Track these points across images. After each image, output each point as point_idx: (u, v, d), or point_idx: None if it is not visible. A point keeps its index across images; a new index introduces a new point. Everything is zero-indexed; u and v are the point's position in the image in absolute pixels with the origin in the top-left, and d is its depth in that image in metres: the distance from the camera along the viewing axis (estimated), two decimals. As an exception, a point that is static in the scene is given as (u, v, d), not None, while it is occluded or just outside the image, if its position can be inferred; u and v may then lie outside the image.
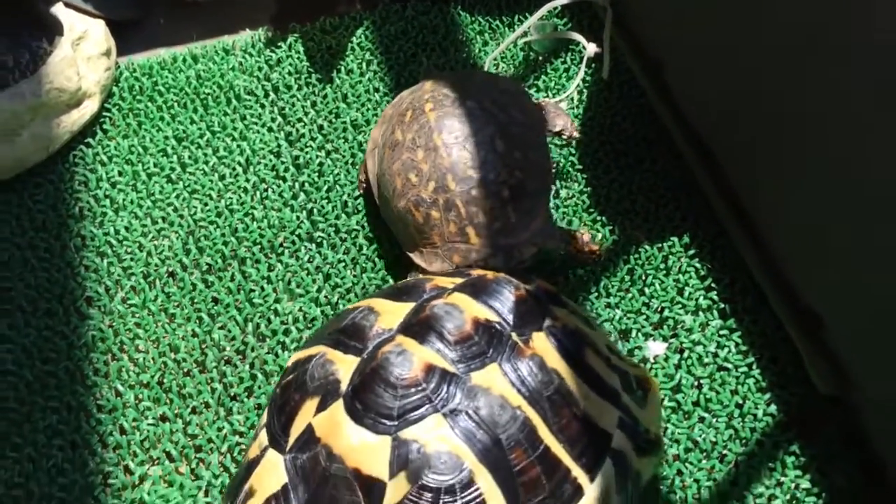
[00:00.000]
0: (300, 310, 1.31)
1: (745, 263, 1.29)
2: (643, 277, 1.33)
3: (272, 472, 0.92)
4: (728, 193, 1.31)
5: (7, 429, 1.19)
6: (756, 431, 1.19)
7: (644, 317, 1.29)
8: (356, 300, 1.31)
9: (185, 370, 1.25)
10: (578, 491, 0.92)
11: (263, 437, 0.97)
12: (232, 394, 1.23)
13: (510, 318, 0.99)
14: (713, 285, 1.31)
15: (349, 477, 0.88)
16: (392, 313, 1.00)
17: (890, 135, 0.95)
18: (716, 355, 1.25)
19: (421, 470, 0.86)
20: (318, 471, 0.89)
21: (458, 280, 1.07)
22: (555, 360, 0.97)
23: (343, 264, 1.36)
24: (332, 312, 1.30)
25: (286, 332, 1.28)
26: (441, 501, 0.86)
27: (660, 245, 1.35)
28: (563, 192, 1.43)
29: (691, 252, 1.34)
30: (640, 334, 1.27)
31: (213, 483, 1.16)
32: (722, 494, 1.14)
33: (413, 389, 0.90)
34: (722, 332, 1.27)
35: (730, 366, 1.24)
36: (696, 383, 1.23)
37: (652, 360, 1.25)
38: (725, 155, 1.31)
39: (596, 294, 1.32)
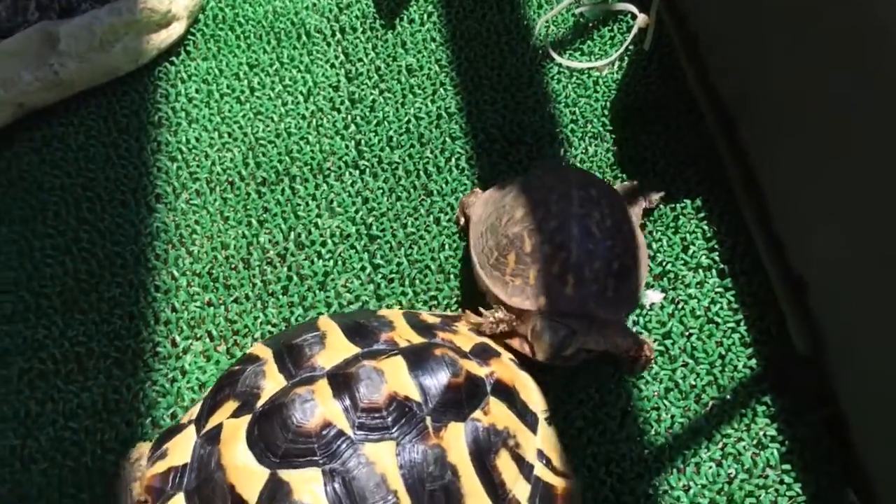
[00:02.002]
0: (338, 226, 1.46)
1: (748, 229, 1.38)
2: (652, 233, 1.43)
3: (185, 447, 1.01)
4: (743, 164, 1.40)
5: (78, 296, 1.39)
6: (734, 381, 1.29)
7: (648, 268, 1.40)
8: (388, 224, 1.46)
9: (232, 265, 1.42)
10: None
11: (196, 410, 1.06)
12: (270, 290, 1.40)
13: (433, 401, 1.00)
14: (716, 247, 1.41)
15: (225, 489, 0.94)
16: (336, 351, 1.04)
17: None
18: (708, 309, 1.35)
19: None
20: (208, 469, 0.96)
21: (418, 339, 1.09)
22: (458, 457, 0.98)
23: (381, 191, 1.50)
24: (366, 232, 1.45)
25: (322, 244, 1.44)
26: None
27: (673, 206, 1.45)
28: (590, 149, 1.54)
29: (701, 215, 1.44)
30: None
31: (245, 363, 1.32)
32: (694, 430, 1.25)
33: (304, 438, 0.95)
34: (717, 290, 1.37)
35: (719, 320, 1.34)
36: (685, 332, 1.33)
37: (648, 307, 1.36)
38: (745, 127, 1.40)
39: (607, 243, 1.43)
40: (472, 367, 1.07)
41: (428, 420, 0.98)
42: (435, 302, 1.38)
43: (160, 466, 1.01)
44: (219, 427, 1.00)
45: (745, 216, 1.39)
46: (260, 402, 0.99)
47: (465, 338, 1.15)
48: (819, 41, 1.14)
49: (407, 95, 1.62)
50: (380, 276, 1.41)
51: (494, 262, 1.24)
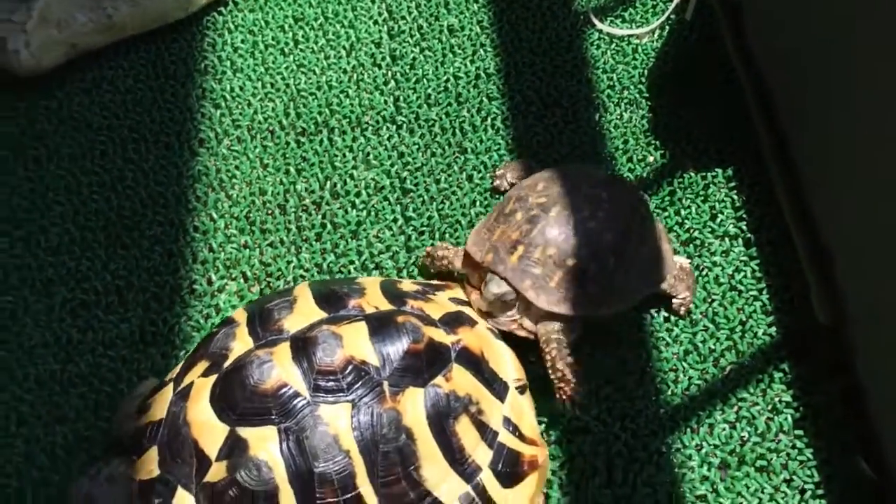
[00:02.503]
0: (373, 178, 1.50)
1: (777, 200, 1.39)
2: (682, 200, 1.45)
3: (163, 403, 1.06)
4: (777, 135, 1.40)
5: (121, 231, 1.44)
6: (753, 347, 1.30)
7: (675, 234, 1.41)
8: (422, 178, 1.49)
9: (269, 210, 1.47)
10: None
11: (177, 368, 1.12)
12: (304, 236, 1.44)
13: (391, 366, 1.03)
14: (745, 216, 1.42)
15: (190, 443, 1.00)
16: (304, 316, 1.08)
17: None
18: (731, 277, 1.36)
19: (238, 467, 0.97)
20: (177, 424, 1.02)
21: (387, 306, 1.12)
22: (414, 421, 1.01)
23: (417, 147, 1.53)
24: (400, 185, 1.49)
25: (357, 195, 1.48)
26: (243, 501, 0.97)
27: (704, 174, 1.47)
28: (625, 115, 1.56)
29: (732, 184, 1.45)
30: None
31: (276, 304, 1.37)
32: (710, 393, 1.27)
33: (261, 397, 0.99)
34: (742, 259, 1.38)
35: (742, 288, 1.35)
36: (708, 298, 1.35)
37: (673, 272, 1.38)
38: (780, 99, 1.40)
39: (636, 208, 1.45)
40: (438, 334, 1.09)
41: (385, 384, 1.02)
42: (463, 256, 1.41)
43: (141, 421, 1.08)
44: (190, 385, 1.05)
45: (776, 187, 1.39)
46: (227, 363, 1.04)
47: (437, 306, 1.17)
48: (855, 13, 1.15)
49: (447, 55, 1.64)
50: (411, 228, 1.44)
51: (487, 217, 1.30)
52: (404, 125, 1.56)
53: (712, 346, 1.31)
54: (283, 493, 0.97)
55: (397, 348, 1.04)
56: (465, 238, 1.43)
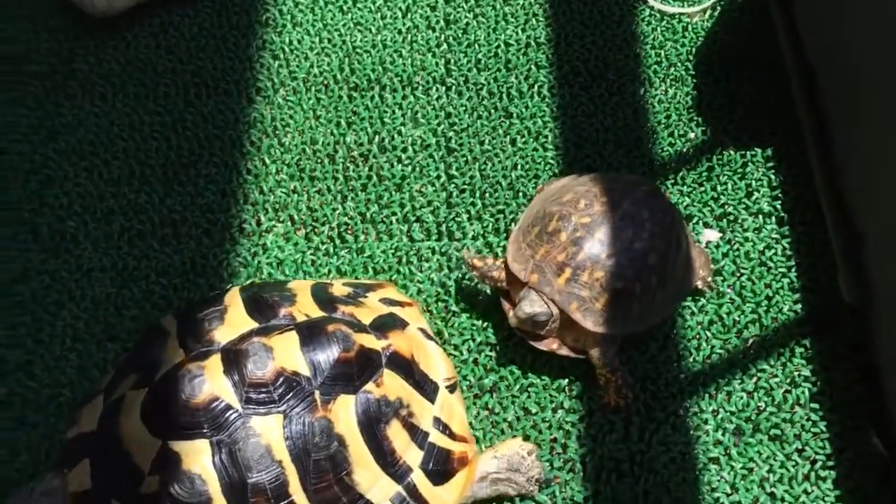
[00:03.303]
0: (419, 136, 1.55)
1: (813, 182, 1.41)
2: (719, 176, 1.48)
3: (93, 415, 1.09)
4: (818, 118, 1.43)
5: (178, 169, 1.52)
6: (777, 322, 1.34)
7: (709, 209, 1.45)
8: (467, 139, 1.54)
9: (318, 159, 1.53)
10: None
11: (106, 379, 1.15)
12: (350, 186, 1.50)
13: (322, 375, 1.05)
14: (780, 195, 1.44)
15: (122, 456, 1.02)
16: (234, 326, 1.08)
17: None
18: (762, 253, 1.40)
19: (170, 482, 0.99)
20: (109, 437, 1.05)
21: (318, 313, 1.13)
22: (346, 427, 1.04)
23: (464, 109, 1.59)
24: (444, 143, 1.54)
25: (403, 150, 1.54)
26: None
27: (743, 153, 1.50)
28: (670, 91, 1.59)
29: (770, 164, 1.48)
30: (700, 222, 1.44)
31: (319, 249, 1.44)
32: (731, 362, 1.31)
33: (193, 411, 1.00)
34: (774, 236, 1.41)
35: (771, 264, 1.39)
36: (736, 272, 1.39)
37: (703, 245, 1.41)
38: (825, 82, 1.42)
39: (672, 181, 1.49)
40: (368, 340, 1.11)
41: (317, 394, 1.04)
42: (501, 216, 1.46)
43: (72, 432, 1.11)
44: (120, 399, 1.07)
45: (813, 169, 1.42)
46: (158, 375, 1.05)
47: (368, 310, 1.19)
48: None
49: (499, 21, 1.68)
50: (453, 185, 1.50)
51: (525, 228, 1.30)
52: (453, 87, 1.61)
53: (737, 318, 1.35)
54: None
55: (328, 357, 1.06)
56: (504, 198, 1.48)
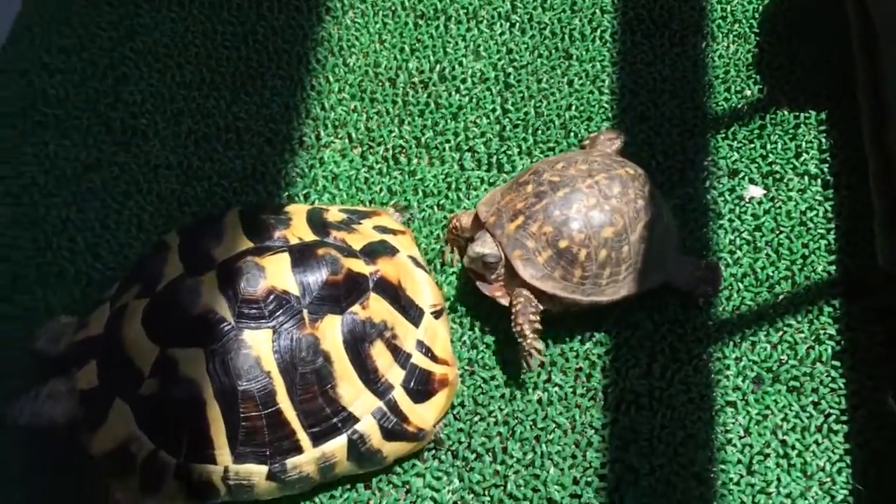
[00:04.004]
0: (479, 69, 1.60)
1: (863, 148, 1.43)
2: (770, 135, 1.50)
3: (100, 320, 1.17)
4: (875, 85, 1.44)
5: (246, 79, 1.59)
6: (809, 280, 1.37)
7: (756, 165, 1.47)
8: (525, 76, 1.58)
9: (380, 82, 1.59)
10: (298, 448, 1.10)
11: (114, 288, 1.23)
12: (408, 110, 1.56)
13: (311, 295, 1.11)
14: (828, 159, 1.46)
15: (125, 359, 1.10)
16: (232, 245, 1.15)
17: None
18: (803, 214, 1.42)
19: (167, 385, 1.07)
20: (113, 341, 1.12)
21: (311, 237, 1.18)
22: (331, 345, 1.11)
23: (525, 46, 1.62)
24: (503, 78, 1.58)
25: (462, 81, 1.58)
26: (174, 411, 1.07)
27: (797, 114, 1.51)
28: (731, 47, 1.60)
29: (822, 127, 1.50)
30: (746, 178, 1.47)
31: (373, 168, 1.50)
32: (759, 315, 1.35)
33: (190, 321, 1.07)
34: (817, 198, 1.44)
35: (811, 225, 1.41)
36: (776, 229, 1.42)
37: (746, 200, 1.44)
38: (885, 49, 1.43)
39: (723, 136, 1.51)
40: (357, 265, 1.17)
41: (305, 312, 1.10)
42: (551, 153, 1.50)
43: (81, 335, 1.18)
44: (124, 307, 1.15)
45: (865, 135, 1.43)
46: (159, 287, 1.13)
47: (360, 236, 1.24)
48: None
49: (568, -33, 1.70)
50: (507, 119, 1.54)
51: (509, 183, 1.33)
52: (517, 24, 1.64)
53: (770, 273, 1.38)
54: (210, 407, 1.07)
55: (317, 279, 1.12)
56: (555, 136, 1.52)
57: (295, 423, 1.10)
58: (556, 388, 1.30)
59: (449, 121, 1.54)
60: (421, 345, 1.21)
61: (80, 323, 1.21)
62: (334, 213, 1.30)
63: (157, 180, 1.48)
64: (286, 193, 1.47)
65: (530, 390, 1.30)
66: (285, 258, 1.13)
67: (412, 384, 1.18)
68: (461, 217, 1.37)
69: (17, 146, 1.51)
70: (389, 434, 1.16)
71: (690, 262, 1.36)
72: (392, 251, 1.26)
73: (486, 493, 1.22)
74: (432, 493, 1.22)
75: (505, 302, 1.29)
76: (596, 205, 1.25)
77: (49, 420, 1.13)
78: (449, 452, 1.25)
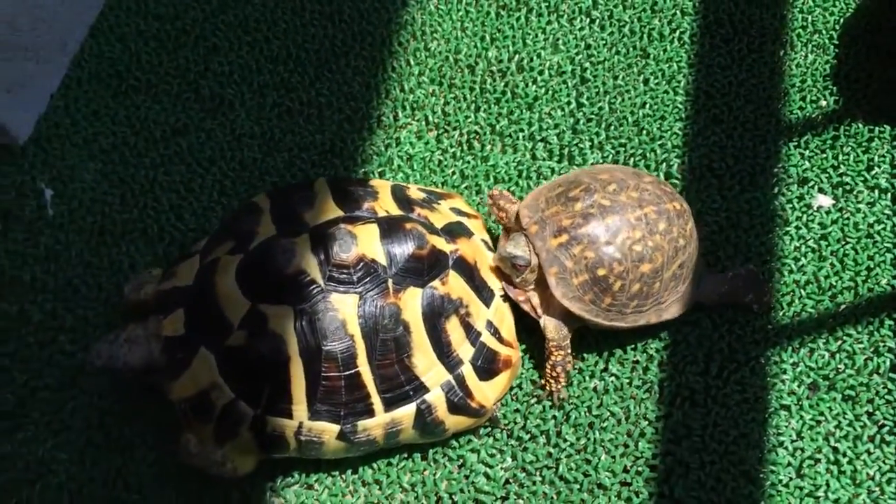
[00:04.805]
0: (557, 62, 1.63)
1: (938, 166, 1.44)
2: (843, 146, 1.51)
3: (190, 271, 1.22)
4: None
5: (330, 57, 1.64)
6: (872, 293, 1.38)
7: (827, 175, 1.49)
8: (602, 72, 1.61)
9: (459, 68, 1.63)
10: (370, 412, 1.16)
11: (202, 243, 1.26)
12: (485, 98, 1.59)
13: (397, 266, 1.16)
14: (900, 174, 1.47)
15: (215, 311, 1.14)
16: (323, 211, 1.20)
17: None
18: (871, 226, 1.43)
19: (254, 338, 1.11)
20: (204, 292, 1.17)
21: (397, 211, 1.23)
22: (411, 315, 1.15)
23: (604, 42, 1.65)
24: (580, 72, 1.61)
25: (540, 73, 1.62)
26: (259, 364, 1.12)
27: (871, 127, 1.52)
28: (810, 57, 1.61)
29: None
30: (815, 187, 1.48)
31: (447, 151, 1.54)
32: (819, 322, 1.37)
33: (282, 280, 1.12)
34: (886, 212, 1.44)
35: (878, 238, 1.42)
36: (842, 239, 1.43)
37: (814, 209, 1.46)
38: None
39: (795, 144, 1.52)
40: (439, 242, 1.21)
41: (390, 282, 1.15)
42: (622, 149, 1.53)
43: (168, 285, 1.23)
44: (216, 260, 1.19)
45: (940, 154, 1.44)
46: (252, 245, 1.17)
47: (440, 216, 1.29)
48: None
49: (651, -37, 1.72)
50: (581, 113, 1.57)
51: (553, 185, 1.33)
52: (597, 20, 1.67)
53: (833, 283, 1.40)
54: (294, 363, 1.12)
55: (404, 251, 1.16)
56: (627, 133, 1.55)
57: (371, 387, 1.15)
58: (613, 378, 1.33)
59: (524, 110, 1.58)
60: (490, 325, 1.25)
61: (167, 273, 1.27)
62: (415, 191, 1.34)
63: (240, 148, 1.54)
64: (362, 170, 1.52)
65: (587, 378, 1.33)
66: (375, 229, 1.17)
67: (479, 362, 1.22)
68: (505, 201, 1.36)
69: (111, 107, 1.58)
70: (454, 407, 1.20)
71: (715, 280, 1.36)
72: (469, 233, 1.30)
73: (539, 473, 1.26)
74: (486, 468, 1.26)
75: (527, 308, 1.30)
76: (640, 239, 1.25)
77: (125, 364, 1.19)
78: (504, 432, 1.29)
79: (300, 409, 1.14)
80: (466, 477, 1.26)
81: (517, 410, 1.31)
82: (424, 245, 1.18)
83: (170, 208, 1.48)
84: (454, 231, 1.27)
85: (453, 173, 1.52)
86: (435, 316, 1.18)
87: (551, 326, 1.29)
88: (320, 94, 1.60)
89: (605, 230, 1.25)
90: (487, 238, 1.36)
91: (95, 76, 1.61)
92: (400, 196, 1.28)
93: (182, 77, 1.62)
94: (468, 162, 1.53)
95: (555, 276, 1.26)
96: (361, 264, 1.14)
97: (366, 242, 1.15)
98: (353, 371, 1.14)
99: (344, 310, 1.13)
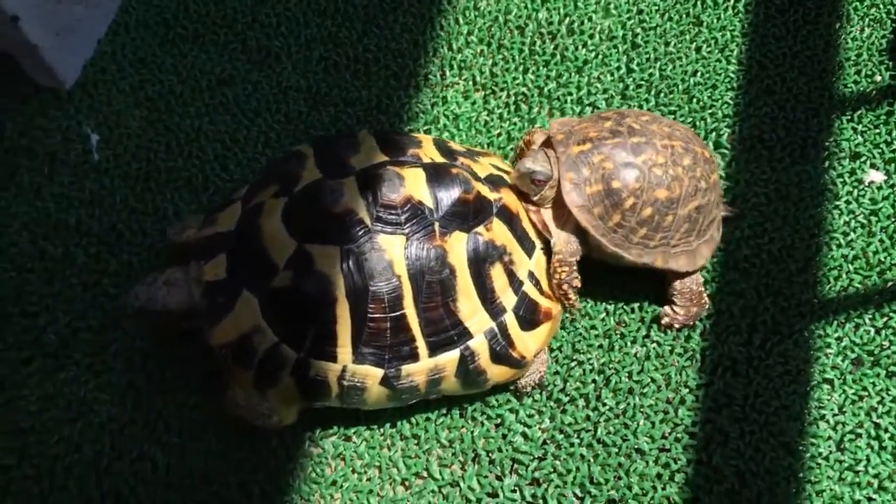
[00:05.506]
0: (608, 26, 1.61)
1: None
2: (897, 122, 1.49)
3: (231, 217, 1.21)
4: None
5: (377, 14, 1.63)
6: (921, 270, 1.37)
7: (880, 151, 1.46)
8: (653, 38, 1.58)
9: (509, 29, 1.61)
10: (415, 356, 1.15)
11: (242, 191, 1.25)
12: (533, 60, 1.58)
13: (443, 210, 1.14)
14: (955, 152, 1.45)
15: (260, 252, 1.13)
16: (368, 156, 1.19)
17: None
18: (923, 203, 1.42)
19: (301, 278, 1.10)
20: (248, 235, 1.16)
21: (441, 160, 1.22)
22: (457, 259, 1.14)
23: (656, 8, 1.63)
24: (630, 37, 1.59)
25: (590, 37, 1.60)
26: (305, 304, 1.10)
27: (928, 104, 1.49)
28: (865, 31, 1.58)
29: (953, 121, 1.48)
30: (868, 162, 1.46)
31: (494, 112, 1.53)
32: (865, 297, 1.35)
33: (329, 220, 1.11)
34: (940, 190, 1.42)
35: (931, 216, 1.41)
36: (893, 215, 1.41)
37: (866, 184, 1.44)
38: None
39: (848, 118, 1.50)
40: (484, 189, 1.20)
41: (436, 225, 1.14)
42: (672, 117, 1.51)
43: (209, 231, 1.21)
44: (260, 204, 1.18)
45: None
46: (297, 188, 1.16)
47: (483, 167, 1.28)
48: None
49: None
50: (631, 79, 1.55)
51: (591, 116, 1.34)
52: (650, -14, 1.65)
53: (881, 259, 1.38)
54: (340, 304, 1.11)
55: (450, 195, 1.15)
56: (678, 101, 1.53)
57: (416, 330, 1.14)
58: (655, 345, 1.33)
59: (573, 74, 1.56)
60: (532, 276, 1.24)
61: (208, 219, 1.26)
62: (456, 145, 1.33)
63: (286, 101, 1.54)
64: (407, 128, 1.51)
65: (629, 343, 1.33)
66: (421, 173, 1.17)
67: (521, 311, 1.22)
68: (535, 133, 1.36)
69: (158, 55, 1.58)
70: (496, 356, 1.20)
71: (698, 278, 1.33)
72: (510, 185, 1.29)
73: (577, 435, 1.26)
74: (524, 428, 1.26)
75: (539, 225, 1.27)
76: (662, 164, 1.23)
77: (163, 306, 1.18)
78: (543, 393, 1.29)
79: (345, 351, 1.14)
80: (504, 436, 1.26)
81: (557, 373, 1.31)
82: (470, 190, 1.17)
83: (214, 158, 1.48)
84: (496, 181, 1.26)
85: (499, 134, 1.51)
86: (480, 261, 1.16)
87: (562, 239, 1.26)
88: (367, 49, 1.59)
89: (630, 147, 1.23)
90: None
91: (143, 23, 1.61)
92: (442, 147, 1.28)
93: (229, 27, 1.61)
94: (515, 124, 1.52)
95: (570, 181, 1.24)
96: (409, 206, 1.13)
97: (413, 185, 1.15)
98: (399, 313, 1.13)
99: (391, 250, 1.12)
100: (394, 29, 1.61)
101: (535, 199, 1.26)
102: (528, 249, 1.25)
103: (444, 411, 1.28)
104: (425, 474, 1.24)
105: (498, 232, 1.19)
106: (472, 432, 1.26)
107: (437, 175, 1.17)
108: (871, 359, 1.31)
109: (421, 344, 1.15)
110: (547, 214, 1.27)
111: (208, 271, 1.18)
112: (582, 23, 1.61)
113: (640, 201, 1.23)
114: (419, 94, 1.55)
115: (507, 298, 1.20)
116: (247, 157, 1.48)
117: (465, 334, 1.17)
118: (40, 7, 1.44)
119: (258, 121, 1.52)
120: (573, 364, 1.31)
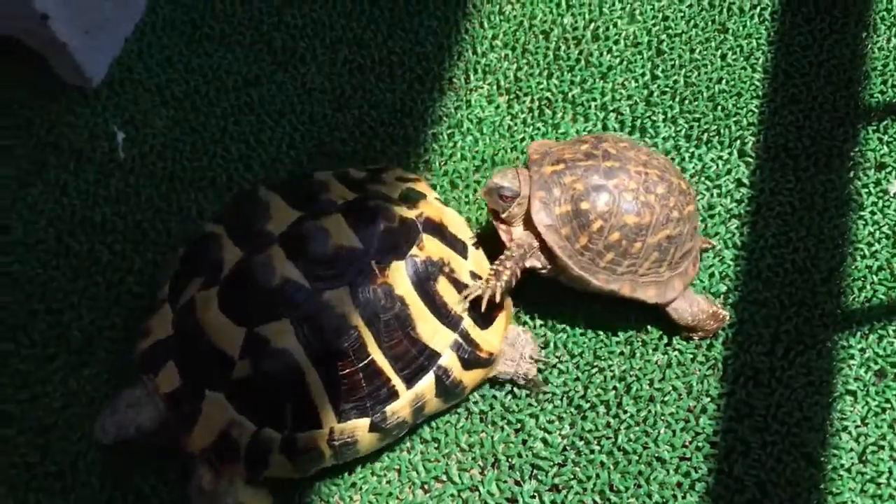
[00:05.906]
0: (633, 32, 1.61)
1: None
2: (924, 133, 1.48)
3: (164, 322, 1.17)
4: None
5: (403, 17, 1.63)
6: (947, 283, 1.36)
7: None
8: (678, 45, 1.58)
9: (534, 34, 1.61)
10: (394, 394, 1.14)
11: (166, 289, 1.20)
12: (558, 65, 1.58)
13: (374, 246, 1.13)
14: (983, 165, 1.44)
15: (209, 349, 1.10)
16: (282, 218, 1.16)
17: None
18: (950, 216, 1.41)
19: (260, 362, 1.08)
20: (191, 336, 1.13)
21: (350, 195, 1.21)
22: (403, 289, 1.14)
23: (682, 15, 1.62)
24: (656, 44, 1.59)
25: (615, 42, 1.59)
26: (274, 386, 1.09)
27: (955, 115, 1.48)
28: (893, 40, 1.57)
29: (980, 133, 1.47)
30: (893, 173, 1.45)
31: (517, 116, 1.53)
32: (890, 309, 1.34)
33: (269, 296, 1.09)
34: (966, 202, 1.41)
35: (956, 228, 1.40)
36: (918, 228, 1.41)
37: (891, 195, 1.43)
38: None
39: (874, 128, 1.49)
40: (403, 211, 1.20)
41: (372, 263, 1.13)
42: (696, 123, 1.51)
43: (145, 343, 1.17)
44: (192, 300, 1.14)
45: None
46: (224, 273, 1.13)
47: (392, 187, 1.27)
48: None
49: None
50: (656, 85, 1.55)
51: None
52: (677, -7, 1.64)
53: (906, 270, 1.37)
54: (309, 372, 1.09)
55: (375, 230, 1.15)
56: (702, 108, 1.52)
57: (388, 371, 1.14)
58: (677, 353, 1.32)
59: (597, 80, 1.56)
60: (473, 275, 1.24)
61: (140, 332, 1.21)
62: (355, 173, 1.32)
63: (310, 103, 1.54)
64: (431, 131, 1.51)
65: (650, 351, 1.33)
66: (340, 217, 1.16)
67: (475, 313, 1.21)
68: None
69: (184, 54, 1.59)
70: (467, 364, 1.20)
71: (699, 302, 1.31)
72: (422, 195, 1.29)
73: (597, 442, 1.26)
74: (544, 434, 1.26)
75: (505, 238, 1.26)
76: (633, 190, 1.22)
77: (137, 429, 1.14)
78: (564, 398, 1.29)
79: (327, 414, 1.12)
80: (524, 441, 1.26)
81: (577, 379, 1.31)
82: (392, 217, 1.17)
83: (238, 158, 1.49)
84: (410, 197, 1.26)
85: (523, 139, 1.51)
86: (423, 281, 1.16)
87: (523, 235, 1.25)
88: (392, 52, 1.59)
89: (603, 171, 1.22)
90: (436, 195, 1.34)
91: (170, 23, 1.62)
92: (347, 181, 1.27)
93: (255, 28, 1.62)
94: (538, 129, 1.52)
95: (539, 199, 1.23)
96: (341, 255, 1.12)
97: (337, 232, 1.14)
98: (367, 360, 1.12)
99: (340, 304, 1.11)
100: (419, 32, 1.61)
101: (503, 215, 1.26)
102: (462, 251, 1.25)
103: (465, 416, 1.28)
104: (444, 478, 1.24)
105: (431, 247, 1.19)
106: (492, 437, 1.26)
107: (355, 214, 1.16)
108: (895, 371, 1.30)
109: (397, 381, 1.15)
110: (516, 231, 1.26)
111: (162, 383, 1.14)
112: (607, 28, 1.60)
113: (607, 225, 1.22)
114: (443, 97, 1.55)
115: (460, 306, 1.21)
116: (270, 158, 1.49)
117: (434, 355, 1.18)
118: (70, 5, 1.45)
119: (282, 122, 1.52)
120: (594, 371, 1.31)
